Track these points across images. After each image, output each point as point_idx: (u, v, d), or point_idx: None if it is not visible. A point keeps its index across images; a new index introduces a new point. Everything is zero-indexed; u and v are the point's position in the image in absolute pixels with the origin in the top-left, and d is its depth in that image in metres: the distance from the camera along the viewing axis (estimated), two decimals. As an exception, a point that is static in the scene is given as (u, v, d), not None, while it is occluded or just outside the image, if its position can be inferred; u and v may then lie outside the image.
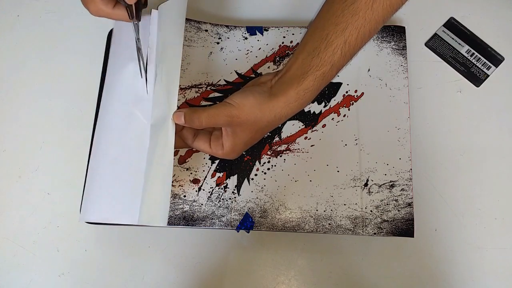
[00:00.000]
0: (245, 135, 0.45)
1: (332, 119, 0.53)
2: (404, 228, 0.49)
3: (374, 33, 0.44)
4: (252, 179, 0.51)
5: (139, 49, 0.47)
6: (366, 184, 0.50)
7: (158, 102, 0.48)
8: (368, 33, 0.43)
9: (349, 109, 0.53)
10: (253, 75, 0.54)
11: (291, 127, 0.52)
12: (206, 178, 0.51)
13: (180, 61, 0.46)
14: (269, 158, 0.51)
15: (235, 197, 0.50)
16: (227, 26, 0.56)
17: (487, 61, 0.56)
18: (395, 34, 0.55)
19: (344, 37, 0.42)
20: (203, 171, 0.51)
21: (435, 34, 0.58)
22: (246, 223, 0.49)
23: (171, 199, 0.49)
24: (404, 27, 0.56)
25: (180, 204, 0.50)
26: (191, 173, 0.51)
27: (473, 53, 0.56)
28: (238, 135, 0.45)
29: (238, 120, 0.43)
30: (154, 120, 0.47)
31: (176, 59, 0.47)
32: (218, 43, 0.55)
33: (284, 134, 0.52)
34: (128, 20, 0.44)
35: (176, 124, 0.45)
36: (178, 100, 0.48)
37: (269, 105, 0.43)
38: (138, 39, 0.46)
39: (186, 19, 0.54)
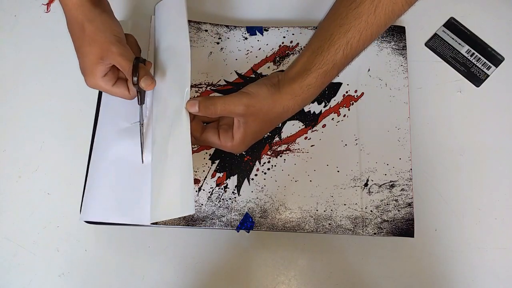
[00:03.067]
0: (256, 126, 0.46)
1: (332, 119, 0.53)
2: (404, 228, 0.49)
3: (376, 37, 0.45)
4: (252, 179, 0.51)
5: (142, 134, 0.49)
6: (366, 184, 0.50)
7: (159, 98, 0.48)
8: (370, 37, 0.44)
9: (349, 109, 0.53)
10: (253, 75, 0.54)
11: (291, 127, 0.52)
12: (206, 178, 0.51)
13: (189, 54, 0.46)
14: (269, 158, 0.51)
15: (235, 197, 0.50)
16: (227, 26, 0.56)
17: (487, 61, 0.56)
18: (395, 34, 0.55)
19: (347, 38, 0.43)
20: (203, 171, 0.51)
21: (435, 34, 0.58)
22: (246, 223, 0.49)
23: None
24: (404, 27, 0.56)
25: (180, 204, 0.50)
26: (191, 173, 0.51)
27: (473, 53, 0.56)
28: (250, 126, 0.45)
29: (253, 109, 0.44)
30: (155, 116, 0.48)
31: (184, 53, 0.47)
32: (218, 43, 0.55)
33: (284, 134, 0.52)
34: (124, 97, 0.47)
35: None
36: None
37: (279, 96, 0.45)
38: (142, 124, 0.49)
39: None
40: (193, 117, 0.47)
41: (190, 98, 0.45)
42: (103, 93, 0.53)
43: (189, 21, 0.55)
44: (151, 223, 0.47)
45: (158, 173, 0.46)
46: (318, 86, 0.45)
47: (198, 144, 0.51)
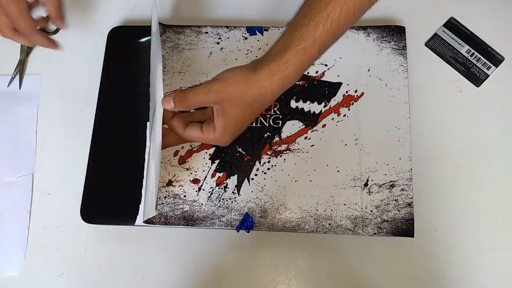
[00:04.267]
0: (234, 112, 0.45)
1: (332, 119, 0.53)
2: (404, 228, 0.49)
3: (359, 13, 0.44)
4: (252, 179, 0.51)
5: None
6: (366, 184, 0.50)
7: (152, 107, 0.49)
8: (352, 11, 0.43)
9: (349, 109, 0.53)
10: (253, 75, 0.54)
11: (291, 127, 0.52)
12: (206, 178, 0.51)
13: (161, 66, 0.48)
14: (269, 158, 0.51)
15: (235, 197, 0.50)
16: (227, 27, 0.56)
17: (487, 61, 0.56)
18: (395, 34, 0.55)
19: (327, 12, 0.43)
20: (203, 171, 0.51)
21: (435, 34, 0.58)
22: (246, 223, 0.49)
23: (171, 199, 0.50)
24: (404, 27, 0.56)
25: (180, 204, 0.50)
26: (191, 173, 0.51)
27: (473, 53, 0.56)
28: (228, 113, 0.45)
29: (225, 94, 0.44)
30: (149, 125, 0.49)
31: (157, 65, 0.48)
32: (218, 43, 0.55)
33: (284, 134, 0.52)
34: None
35: (166, 114, 0.47)
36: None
37: (253, 77, 0.44)
38: None
39: (186, 25, 0.56)
40: (173, 115, 0.47)
41: (165, 95, 0.46)
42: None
43: (190, 26, 0.56)
44: (145, 222, 0.48)
45: (146, 173, 0.47)
46: (297, 64, 0.44)
47: (183, 142, 0.51)
